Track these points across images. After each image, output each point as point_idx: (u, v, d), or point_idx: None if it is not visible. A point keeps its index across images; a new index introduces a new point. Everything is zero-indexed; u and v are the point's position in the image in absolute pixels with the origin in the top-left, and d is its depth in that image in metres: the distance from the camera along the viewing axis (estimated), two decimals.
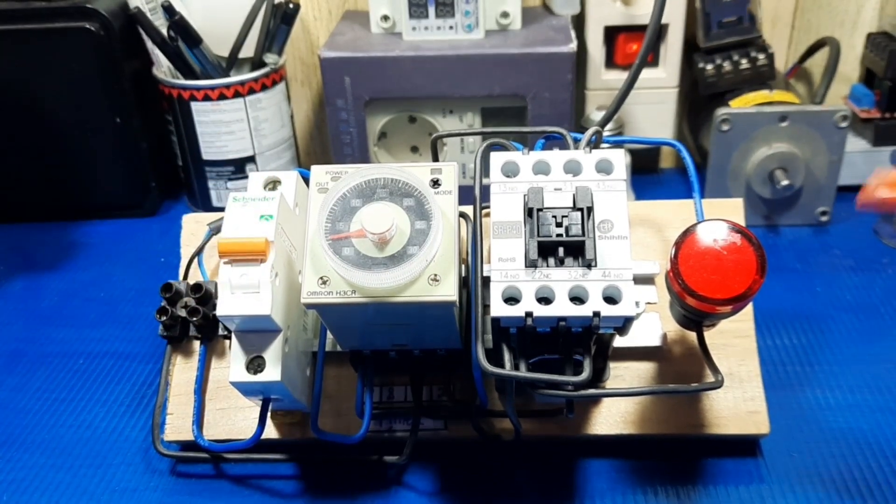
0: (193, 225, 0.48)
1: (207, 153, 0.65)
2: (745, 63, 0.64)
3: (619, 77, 0.67)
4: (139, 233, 0.67)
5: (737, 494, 0.40)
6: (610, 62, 0.67)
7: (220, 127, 0.64)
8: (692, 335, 0.42)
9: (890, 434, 0.43)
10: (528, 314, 0.32)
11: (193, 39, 0.61)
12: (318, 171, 0.36)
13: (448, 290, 0.33)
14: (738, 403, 0.42)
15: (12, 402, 0.49)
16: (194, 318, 0.43)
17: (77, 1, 0.61)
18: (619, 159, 0.36)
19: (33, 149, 0.66)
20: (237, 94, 0.63)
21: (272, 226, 0.36)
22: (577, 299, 0.33)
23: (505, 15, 0.63)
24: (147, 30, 0.61)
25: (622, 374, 0.43)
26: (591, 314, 0.32)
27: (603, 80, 0.67)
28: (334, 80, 0.62)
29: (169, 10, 0.59)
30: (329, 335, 0.41)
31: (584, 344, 0.35)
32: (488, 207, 0.35)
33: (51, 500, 0.42)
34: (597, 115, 0.63)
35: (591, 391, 0.37)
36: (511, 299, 0.33)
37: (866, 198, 0.32)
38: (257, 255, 0.35)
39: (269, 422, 0.43)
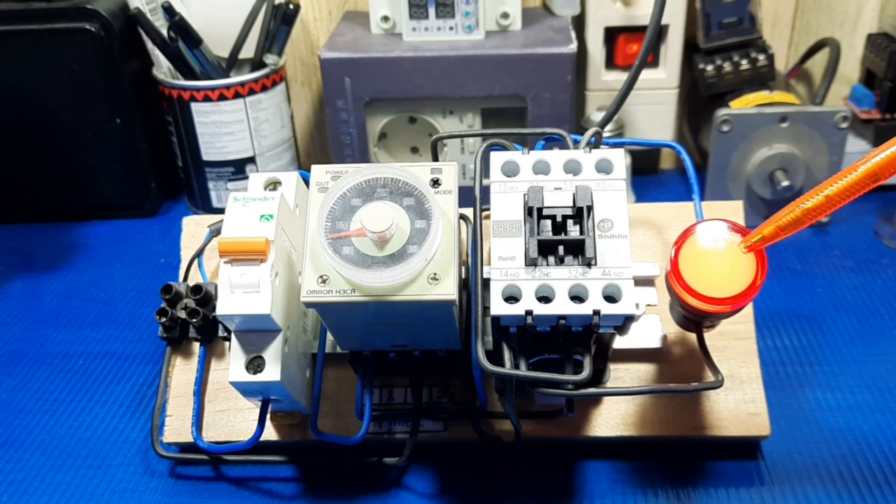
0: (193, 227, 0.48)
1: (207, 154, 0.65)
2: (745, 64, 0.64)
3: (619, 78, 0.67)
4: (139, 233, 0.67)
5: (737, 496, 0.40)
6: (610, 63, 0.67)
7: (220, 128, 0.64)
8: (692, 337, 0.42)
9: (890, 435, 0.43)
10: (528, 312, 0.32)
11: (193, 40, 0.61)
12: (318, 171, 0.36)
13: (448, 289, 0.33)
14: (738, 405, 0.42)
15: (12, 403, 0.49)
16: (194, 320, 0.43)
17: (77, 2, 0.61)
18: (619, 159, 0.35)
19: (33, 149, 0.66)
20: (237, 95, 0.63)
21: (272, 226, 0.36)
22: (577, 298, 0.33)
23: (505, 16, 0.63)
24: (147, 30, 0.61)
25: (622, 376, 0.43)
26: (591, 312, 0.32)
27: (603, 80, 0.67)
28: (334, 81, 0.62)
29: (169, 11, 0.59)
30: (329, 336, 0.41)
31: (584, 343, 0.35)
32: (488, 209, 0.35)
33: (50, 501, 0.42)
34: (597, 116, 0.63)
35: (591, 390, 0.37)
36: (511, 298, 0.33)
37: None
38: (257, 254, 0.35)
39: (268, 423, 0.43)
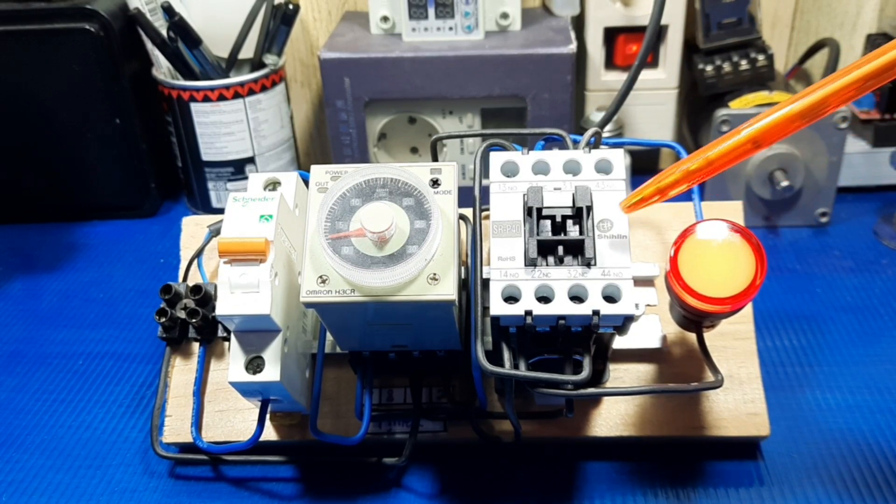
0: (193, 227, 0.48)
1: (207, 154, 0.65)
2: (744, 64, 0.64)
3: (618, 78, 0.67)
4: (139, 234, 0.67)
5: (737, 496, 0.40)
6: (610, 63, 0.67)
7: (219, 128, 0.64)
8: (692, 337, 0.42)
9: (890, 435, 0.43)
10: (528, 313, 0.32)
11: (193, 40, 0.61)
12: (317, 171, 0.36)
13: (447, 290, 0.33)
14: (738, 405, 0.42)
15: (12, 403, 0.49)
16: (193, 320, 0.43)
17: (77, 2, 0.61)
18: (619, 159, 0.36)
19: (33, 149, 0.66)
20: (237, 95, 0.63)
21: (272, 226, 0.36)
22: (577, 298, 0.33)
23: (504, 16, 0.64)
24: (147, 31, 0.61)
25: (622, 376, 0.43)
26: (590, 313, 0.32)
27: (603, 81, 0.67)
28: (334, 81, 0.62)
29: (169, 11, 0.59)
30: (329, 337, 0.41)
31: (583, 343, 0.35)
32: (488, 209, 0.35)
33: (49, 501, 0.42)
34: (596, 116, 0.63)
35: (591, 390, 0.37)
36: (511, 298, 0.33)
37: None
38: (257, 254, 0.35)
39: (268, 423, 0.43)
